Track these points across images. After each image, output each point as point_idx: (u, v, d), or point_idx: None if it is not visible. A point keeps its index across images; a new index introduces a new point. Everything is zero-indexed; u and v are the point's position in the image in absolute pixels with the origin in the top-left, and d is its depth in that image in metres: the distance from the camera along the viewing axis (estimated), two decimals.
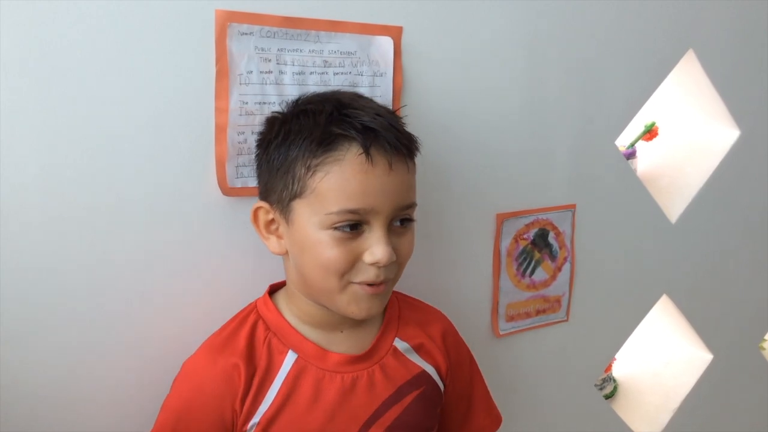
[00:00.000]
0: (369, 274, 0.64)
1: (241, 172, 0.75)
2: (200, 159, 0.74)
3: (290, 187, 0.64)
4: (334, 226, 0.63)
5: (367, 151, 0.63)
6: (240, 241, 0.77)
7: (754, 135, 1.28)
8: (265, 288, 0.75)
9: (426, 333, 0.77)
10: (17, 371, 0.69)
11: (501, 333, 1.02)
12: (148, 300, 0.74)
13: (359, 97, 0.70)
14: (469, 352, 0.84)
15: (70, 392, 0.72)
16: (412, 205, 0.68)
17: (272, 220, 0.68)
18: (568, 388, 1.15)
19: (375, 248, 0.63)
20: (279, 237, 0.69)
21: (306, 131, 0.64)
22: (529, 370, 1.08)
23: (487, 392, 0.86)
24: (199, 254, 0.76)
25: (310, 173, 0.63)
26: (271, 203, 0.68)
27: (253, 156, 0.73)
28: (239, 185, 0.76)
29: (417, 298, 0.82)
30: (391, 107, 0.82)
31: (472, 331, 0.84)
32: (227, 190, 0.75)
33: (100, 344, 0.73)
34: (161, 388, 0.70)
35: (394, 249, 0.65)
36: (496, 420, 0.85)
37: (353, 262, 0.64)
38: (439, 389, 0.77)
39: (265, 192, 0.69)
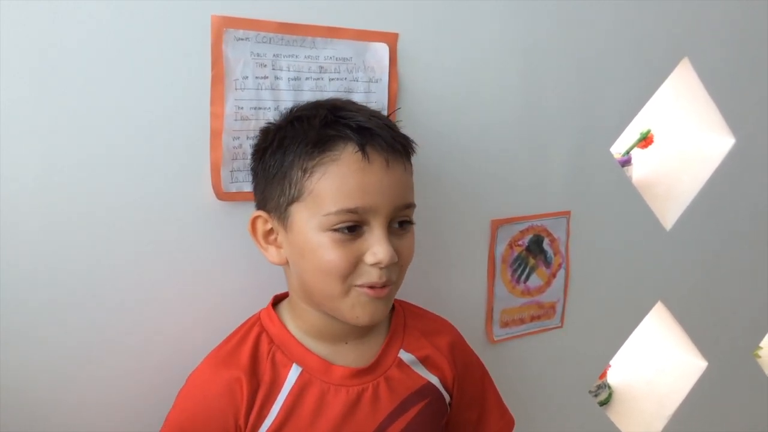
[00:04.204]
0: (371, 276, 0.63)
1: (235, 176, 0.76)
2: (195, 163, 0.74)
3: (287, 192, 0.64)
4: (333, 227, 0.62)
5: (363, 149, 0.62)
6: (234, 245, 0.77)
7: (748, 143, 1.29)
8: (262, 293, 0.75)
9: (432, 343, 0.76)
10: (14, 374, 0.69)
11: (495, 339, 1.02)
12: (143, 304, 0.74)
13: (353, 103, 0.71)
14: (479, 360, 0.84)
15: (68, 395, 0.72)
16: (410, 206, 0.67)
17: (270, 230, 0.68)
18: (563, 395, 1.15)
19: (376, 248, 0.62)
20: (278, 247, 0.68)
21: (301, 135, 0.64)
22: (523, 376, 1.08)
23: (499, 397, 0.85)
24: (194, 258, 0.76)
25: (307, 175, 0.62)
26: (268, 211, 0.67)
27: (249, 167, 0.73)
28: (234, 190, 0.76)
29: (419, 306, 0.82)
30: (386, 114, 0.82)
31: (467, 336, 0.84)
32: (222, 195, 0.75)
33: (95, 348, 0.73)
34: (157, 392, 0.70)
35: (395, 251, 0.63)
36: (509, 423, 0.85)
37: (354, 264, 0.63)
38: (445, 400, 0.76)
39: (263, 201, 0.68)
